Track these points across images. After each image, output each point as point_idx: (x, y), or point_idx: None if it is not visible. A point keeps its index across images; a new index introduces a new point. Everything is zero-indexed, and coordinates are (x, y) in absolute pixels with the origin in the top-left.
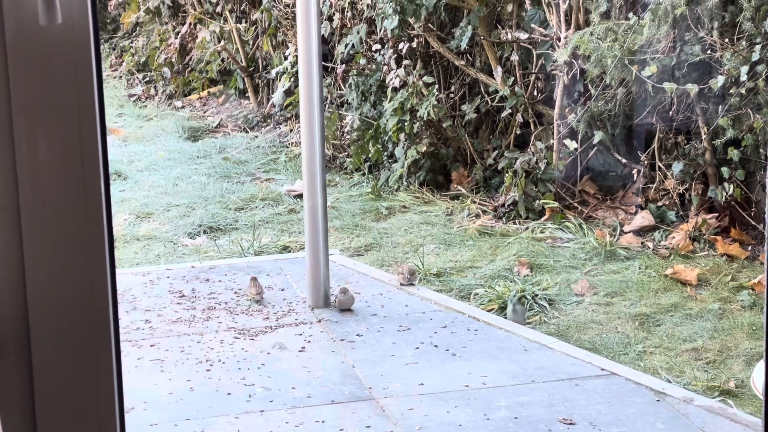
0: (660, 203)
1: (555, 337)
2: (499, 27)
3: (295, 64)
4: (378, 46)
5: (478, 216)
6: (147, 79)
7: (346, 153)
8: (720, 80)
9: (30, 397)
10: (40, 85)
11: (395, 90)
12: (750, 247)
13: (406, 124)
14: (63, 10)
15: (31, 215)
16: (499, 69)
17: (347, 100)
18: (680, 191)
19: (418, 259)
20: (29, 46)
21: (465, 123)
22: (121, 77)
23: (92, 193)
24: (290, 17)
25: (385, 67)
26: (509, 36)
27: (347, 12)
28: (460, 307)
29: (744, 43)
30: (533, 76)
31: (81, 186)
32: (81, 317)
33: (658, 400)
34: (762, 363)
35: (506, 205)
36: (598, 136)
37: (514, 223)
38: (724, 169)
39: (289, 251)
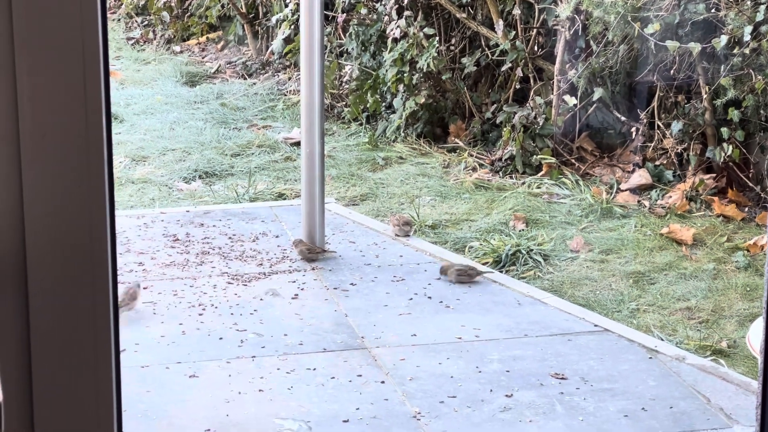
0: (658, 162)
1: (549, 293)
2: None
3: (295, 11)
4: None
5: (474, 169)
6: (146, 22)
7: (344, 102)
8: (723, 40)
9: (26, 333)
10: (43, 18)
11: (395, 41)
12: (746, 209)
13: (405, 75)
14: None
15: (31, 147)
16: (501, 22)
17: (347, 49)
18: (678, 151)
19: (413, 211)
20: None
21: (464, 76)
22: (119, 20)
23: (94, 128)
24: None
25: (386, 18)
26: None
27: None
28: (454, 260)
29: (749, 2)
30: (534, 30)
31: (83, 120)
32: (79, 254)
33: (651, 358)
34: (759, 321)
35: (503, 160)
36: (598, 92)
37: (511, 177)
38: (724, 130)
39: (285, 198)
